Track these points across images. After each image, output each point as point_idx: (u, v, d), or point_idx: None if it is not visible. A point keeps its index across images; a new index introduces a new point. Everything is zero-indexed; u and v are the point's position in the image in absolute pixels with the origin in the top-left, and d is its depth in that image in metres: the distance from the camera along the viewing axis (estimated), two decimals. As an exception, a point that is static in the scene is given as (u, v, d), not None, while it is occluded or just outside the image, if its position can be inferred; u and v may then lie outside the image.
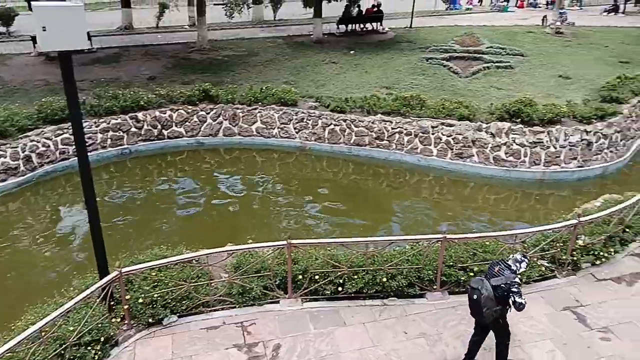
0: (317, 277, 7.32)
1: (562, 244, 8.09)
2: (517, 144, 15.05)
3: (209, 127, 17.20)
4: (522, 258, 6.01)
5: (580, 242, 8.09)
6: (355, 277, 7.35)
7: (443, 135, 15.76)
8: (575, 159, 15.13)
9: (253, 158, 16.93)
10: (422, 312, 7.39)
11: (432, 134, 15.89)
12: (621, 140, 16.08)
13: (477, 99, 17.31)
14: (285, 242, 6.98)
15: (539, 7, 32.58)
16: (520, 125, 15.01)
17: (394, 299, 7.59)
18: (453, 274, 7.52)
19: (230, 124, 17.25)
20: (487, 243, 7.81)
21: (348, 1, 28.76)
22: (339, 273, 7.30)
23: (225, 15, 19.72)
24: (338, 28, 26.17)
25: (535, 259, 8.00)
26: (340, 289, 7.34)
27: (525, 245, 8.25)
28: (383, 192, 15.25)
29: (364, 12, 26.60)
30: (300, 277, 7.33)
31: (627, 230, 8.73)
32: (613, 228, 8.46)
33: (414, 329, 7.14)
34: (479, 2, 32.85)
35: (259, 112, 17.14)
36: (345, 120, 16.68)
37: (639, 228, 8.94)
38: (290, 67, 20.84)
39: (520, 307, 5.72)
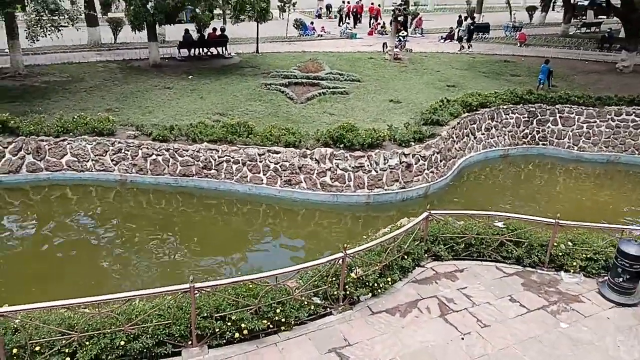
0: (38, 348, 6.10)
1: (334, 279, 7.71)
2: (340, 169, 15.05)
3: (8, 163, 15.04)
4: None
5: (353, 274, 7.78)
6: (88, 343, 6.25)
7: (271, 162, 15.33)
8: (397, 180, 15.49)
9: (65, 195, 15.12)
10: (172, 375, 6.51)
11: (260, 161, 15.40)
12: (441, 161, 16.83)
13: (308, 124, 17.22)
14: (-16, 313, 5.70)
15: (386, 34, 34.22)
16: (342, 151, 15.03)
17: (144, 362, 6.62)
18: (209, 326, 6.73)
19: (34, 158, 15.24)
20: (251, 286, 7.15)
21: (197, 25, 27.90)
22: (65, 341, 6.15)
23: (26, 38, 17.60)
24: (179, 52, 25.07)
25: (306, 298, 7.51)
26: (69, 359, 6.19)
27: (302, 282, 7.77)
28: (213, 225, 14.34)
29: (206, 37, 25.74)
30: (16, 350, 6.07)
31: (406, 257, 8.63)
32: (389, 256, 8.29)
33: (157, 396, 6.22)
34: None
35: (68, 143, 15.36)
36: (168, 150, 15.58)
37: (419, 254, 8.91)
38: (117, 93, 19.27)
39: None
